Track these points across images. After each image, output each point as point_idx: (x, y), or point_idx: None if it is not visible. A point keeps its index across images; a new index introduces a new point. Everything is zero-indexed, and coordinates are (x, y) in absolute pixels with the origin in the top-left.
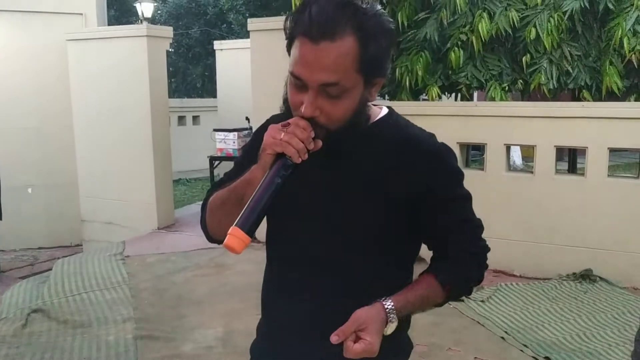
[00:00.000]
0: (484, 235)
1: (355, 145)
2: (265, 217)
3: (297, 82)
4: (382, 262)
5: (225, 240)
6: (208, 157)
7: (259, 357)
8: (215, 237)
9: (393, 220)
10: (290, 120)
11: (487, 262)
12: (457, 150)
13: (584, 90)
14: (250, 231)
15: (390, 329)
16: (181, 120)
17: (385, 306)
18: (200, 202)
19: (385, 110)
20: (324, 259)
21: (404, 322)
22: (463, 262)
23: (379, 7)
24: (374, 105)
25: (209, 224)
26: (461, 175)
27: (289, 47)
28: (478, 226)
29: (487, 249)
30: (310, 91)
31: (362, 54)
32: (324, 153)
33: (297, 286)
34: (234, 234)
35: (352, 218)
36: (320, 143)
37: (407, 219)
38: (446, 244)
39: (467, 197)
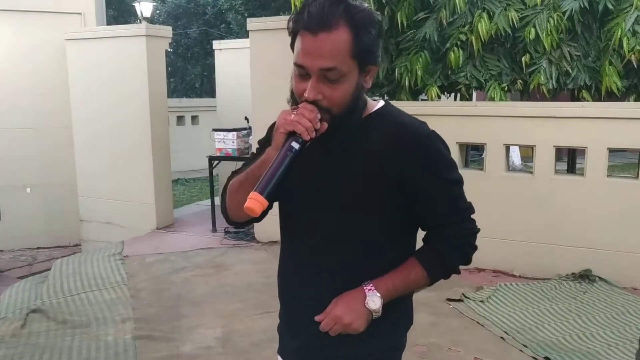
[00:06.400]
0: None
1: (355, 132)
2: (278, 209)
3: (301, 71)
4: (378, 239)
5: (246, 203)
6: (207, 157)
7: (281, 334)
8: (234, 218)
9: (388, 201)
10: (299, 105)
11: (476, 243)
12: (456, 150)
13: (583, 91)
14: (268, 195)
15: (374, 303)
16: (180, 120)
17: (364, 286)
18: (200, 202)
19: (381, 103)
20: (328, 237)
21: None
22: (444, 246)
23: (366, 4)
24: (373, 99)
25: (229, 207)
26: (448, 160)
27: (292, 44)
28: (464, 209)
29: (473, 231)
30: (312, 77)
31: (355, 42)
32: (327, 140)
33: (304, 262)
34: (253, 198)
35: (352, 198)
36: (326, 125)
37: (402, 199)
38: (431, 227)
39: (455, 181)
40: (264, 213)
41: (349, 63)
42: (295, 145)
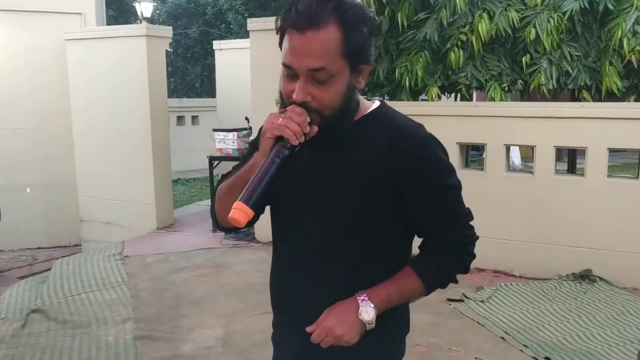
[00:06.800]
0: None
1: (348, 133)
2: (270, 212)
3: (289, 72)
4: (375, 240)
5: (230, 213)
6: (207, 157)
7: (275, 343)
8: (222, 223)
9: (384, 203)
10: (287, 108)
11: (474, 251)
12: (456, 151)
13: (583, 91)
14: (253, 206)
15: (367, 314)
16: (180, 120)
17: (358, 296)
18: (200, 202)
19: (376, 104)
20: (323, 240)
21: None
22: (441, 255)
23: (358, 0)
24: (367, 99)
25: (217, 212)
26: (446, 165)
27: (280, 43)
28: (462, 215)
29: (472, 238)
30: (300, 78)
31: (345, 40)
32: (319, 142)
33: (298, 267)
34: (238, 208)
35: (349, 199)
36: (316, 129)
37: (396, 203)
38: (428, 234)
39: (453, 186)
40: (252, 221)
41: (339, 63)
42: (283, 150)
